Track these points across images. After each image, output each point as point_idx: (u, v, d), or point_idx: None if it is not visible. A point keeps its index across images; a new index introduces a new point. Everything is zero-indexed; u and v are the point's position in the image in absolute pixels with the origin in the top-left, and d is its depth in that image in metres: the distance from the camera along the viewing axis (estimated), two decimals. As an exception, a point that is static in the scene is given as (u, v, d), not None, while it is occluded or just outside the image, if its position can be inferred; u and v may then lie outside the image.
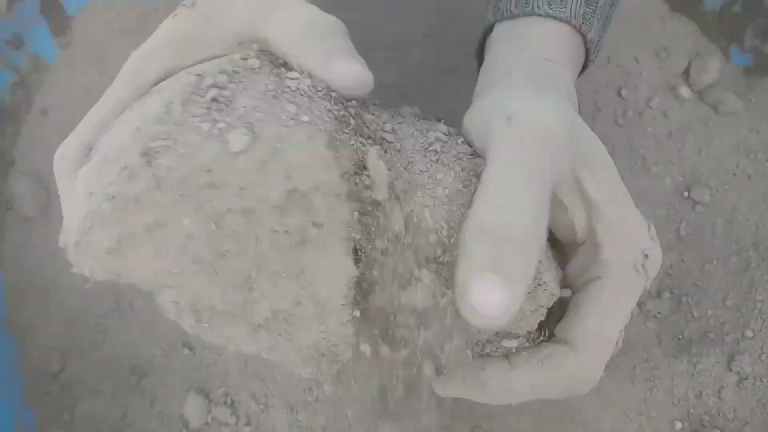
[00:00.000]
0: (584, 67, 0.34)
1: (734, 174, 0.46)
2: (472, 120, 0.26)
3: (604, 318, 0.26)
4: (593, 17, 0.32)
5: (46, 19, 0.48)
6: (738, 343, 0.41)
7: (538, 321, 0.26)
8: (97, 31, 0.50)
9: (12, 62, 0.48)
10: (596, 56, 0.34)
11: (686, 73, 0.49)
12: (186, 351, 0.44)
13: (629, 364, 0.42)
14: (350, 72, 0.23)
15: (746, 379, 0.40)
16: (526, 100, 0.25)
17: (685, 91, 0.48)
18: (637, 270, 0.26)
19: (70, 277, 0.46)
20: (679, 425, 0.40)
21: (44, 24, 0.48)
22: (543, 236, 0.22)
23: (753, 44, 0.48)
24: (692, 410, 0.40)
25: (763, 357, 0.41)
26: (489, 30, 0.34)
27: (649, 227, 0.27)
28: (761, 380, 0.40)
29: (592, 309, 0.26)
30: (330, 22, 0.25)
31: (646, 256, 0.26)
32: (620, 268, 0.26)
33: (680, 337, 0.42)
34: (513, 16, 0.32)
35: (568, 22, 0.31)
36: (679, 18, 0.50)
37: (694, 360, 0.41)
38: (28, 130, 0.49)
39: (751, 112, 0.47)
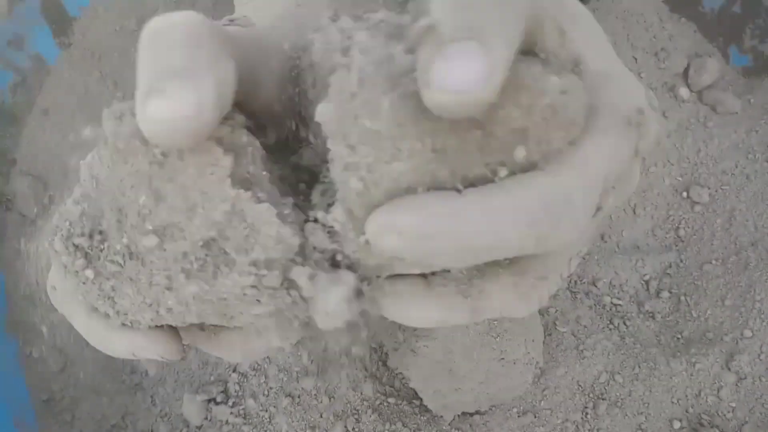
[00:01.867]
0: None
1: (733, 174, 0.46)
2: None
3: (584, 148, 0.19)
4: None
5: (47, 19, 0.48)
6: (737, 343, 0.41)
7: None
8: (97, 32, 0.50)
9: (13, 62, 0.48)
10: None
11: (685, 73, 0.49)
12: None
13: (629, 363, 0.42)
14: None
15: (745, 378, 0.40)
16: None
17: (684, 92, 0.48)
18: (629, 123, 0.21)
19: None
20: (677, 424, 0.40)
21: (45, 24, 0.48)
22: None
23: (752, 45, 0.48)
24: (691, 409, 0.40)
25: (762, 357, 0.41)
26: None
27: (649, 94, 0.22)
28: (760, 380, 0.40)
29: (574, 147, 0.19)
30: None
31: (641, 111, 0.21)
32: (607, 115, 0.20)
33: (679, 336, 0.43)
34: None
35: None
36: (678, 18, 0.50)
37: (693, 360, 0.41)
38: (29, 131, 0.49)
39: (750, 112, 0.47)
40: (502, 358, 0.39)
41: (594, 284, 0.44)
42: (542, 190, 0.18)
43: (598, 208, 0.20)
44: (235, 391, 0.42)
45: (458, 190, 0.18)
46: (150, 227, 0.18)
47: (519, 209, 0.18)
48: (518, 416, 0.41)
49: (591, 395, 0.41)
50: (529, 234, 0.18)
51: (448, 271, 0.22)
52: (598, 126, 0.20)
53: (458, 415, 0.41)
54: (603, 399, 0.41)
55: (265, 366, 0.43)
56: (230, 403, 0.42)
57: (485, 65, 0.16)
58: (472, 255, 0.19)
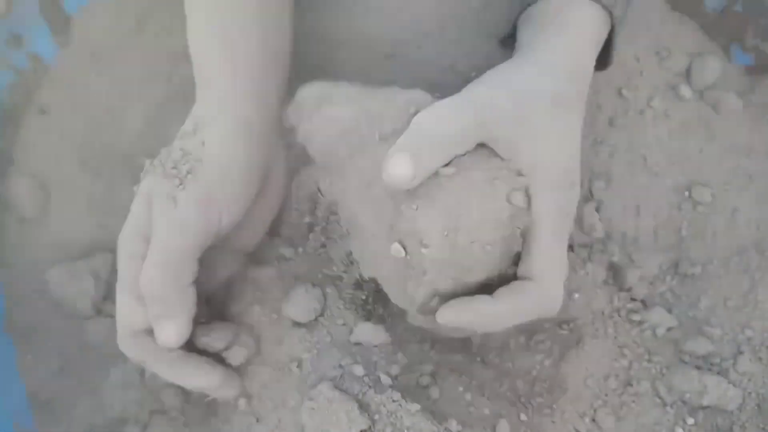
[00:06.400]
0: (609, 40, 0.40)
1: (735, 174, 0.46)
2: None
3: (550, 253, 0.32)
4: None
5: (45, 18, 0.48)
6: (738, 344, 0.41)
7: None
8: (96, 31, 0.50)
9: (11, 62, 0.47)
10: (621, 29, 0.40)
11: (687, 72, 0.49)
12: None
13: (633, 364, 0.42)
14: None
15: (749, 380, 0.40)
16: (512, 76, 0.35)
17: (685, 91, 0.48)
18: (565, 211, 0.33)
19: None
20: (680, 427, 0.40)
21: (44, 24, 0.48)
22: (458, 150, 0.31)
23: (754, 43, 0.48)
24: (693, 411, 0.40)
25: (764, 357, 0.41)
26: (524, 8, 0.40)
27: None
28: (762, 380, 0.40)
29: (538, 249, 0.32)
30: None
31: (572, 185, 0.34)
32: (548, 216, 0.32)
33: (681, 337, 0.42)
34: None
35: (598, 1, 0.37)
36: (679, 17, 0.50)
37: (695, 361, 0.41)
38: (28, 130, 0.49)
39: (752, 111, 0.47)
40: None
41: (595, 284, 0.44)
42: (538, 295, 0.32)
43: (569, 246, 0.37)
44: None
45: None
46: None
47: (529, 307, 0.32)
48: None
49: (595, 396, 0.41)
50: (535, 313, 0.33)
51: None
52: (547, 228, 0.32)
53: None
54: (608, 401, 0.41)
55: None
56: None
57: (409, 173, 0.29)
58: (498, 326, 0.34)
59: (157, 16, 0.50)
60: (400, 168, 0.29)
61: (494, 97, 0.32)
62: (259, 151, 0.37)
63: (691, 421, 0.40)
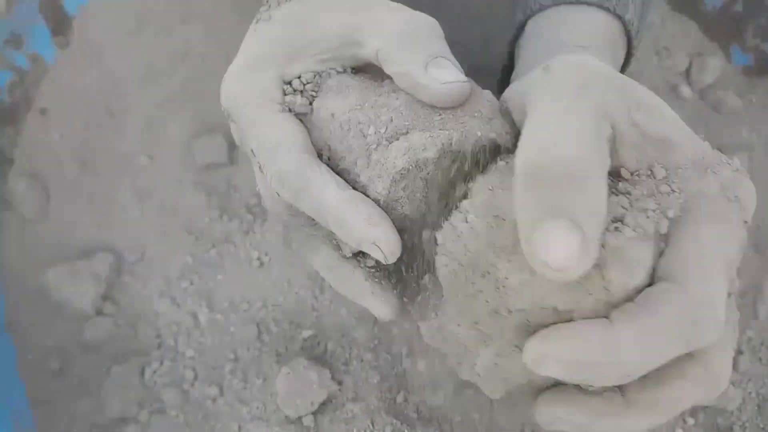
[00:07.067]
0: (628, 57, 0.34)
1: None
2: (510, 92, 0.24)
3: (700, 244, 0.21)
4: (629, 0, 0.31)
5: (45, 18, 0.48)
6: (739, 343, 0.41)
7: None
8: (96, 31, 0.50)
9: (11, 62, 0.47)
10: (638, 42, 0.33)
11: (687, 72, 0.49)
12: (187, 342, 0.43)
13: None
14: (446, 82, 0.23)
15: (749, 380, 0.40)
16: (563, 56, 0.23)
17: (685, 91, 0.48)
18: (726, 197, 0.22)
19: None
20: (680, 427, 0.40)
21: (43, 24, 0.48)
22: (603, 171, 0.19)
23: (753, 44, 0.48)
24: (693, 411, 0.40)
25: (764, 357, 0.41)
26: (520, 30, 0.33)
27: (731, 160, 0.24)
28: (762, 380, 0.40)
29: (683, 238, 0.21)
30: (424, 23, 0.25)
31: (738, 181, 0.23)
32: (703, 196, 0.22)
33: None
34: (543, 8, 0.31)
35: (600, 6, 0.30)
36: (679, 18, 0.50)
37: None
38: (28, 130, 0.49)
39: (752, 111, 0.47)
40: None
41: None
42: (681, 304, 0.19)
43: (729, 294, 0.21)
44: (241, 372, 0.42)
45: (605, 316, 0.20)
46: None
47: (666, 327, 0.19)
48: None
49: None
50: (679, 343, 0.19)
51: None
52: (703, 218, 0.21)
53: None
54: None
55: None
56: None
57: (579, 243, 0.17)
58: (628, 377, 0.20)
59: (157, 16, 0.50)
60: (561, 244, 0.17)
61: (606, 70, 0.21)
62: None
63: (691, 421, 0.40)
